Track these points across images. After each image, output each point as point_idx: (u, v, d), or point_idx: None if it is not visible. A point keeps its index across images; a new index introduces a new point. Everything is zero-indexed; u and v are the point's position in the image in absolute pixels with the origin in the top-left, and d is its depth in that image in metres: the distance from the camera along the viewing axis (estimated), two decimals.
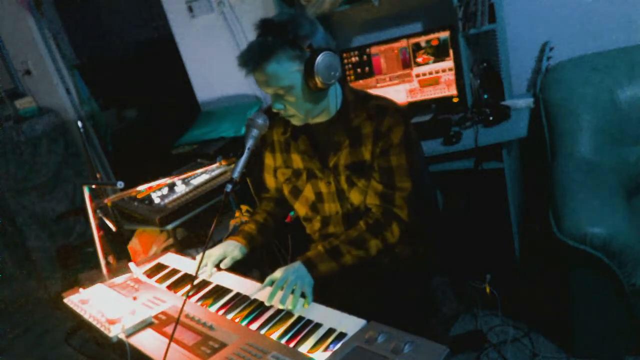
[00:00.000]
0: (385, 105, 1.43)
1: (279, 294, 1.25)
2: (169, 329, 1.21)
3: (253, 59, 1.29)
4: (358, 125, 1.42)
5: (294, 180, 1.56)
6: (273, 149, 1.60)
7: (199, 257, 1.49)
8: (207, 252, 1.51)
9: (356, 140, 1.42)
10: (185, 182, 2.25)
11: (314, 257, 1.36)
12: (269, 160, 1.63)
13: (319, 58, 1.27)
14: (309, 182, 1.52)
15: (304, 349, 1.06)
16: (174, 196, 2.14)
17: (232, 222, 2.17)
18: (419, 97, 2.35)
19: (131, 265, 1.62)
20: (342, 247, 1.37)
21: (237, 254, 1.53)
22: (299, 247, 1.67)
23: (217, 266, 1.51)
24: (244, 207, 2.11)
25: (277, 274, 1.32)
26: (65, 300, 1.47)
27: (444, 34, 2.20)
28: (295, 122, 1.43)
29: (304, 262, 1.34)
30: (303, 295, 1.25)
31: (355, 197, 1.45)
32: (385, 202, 1.41)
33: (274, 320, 1.19)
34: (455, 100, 2.28)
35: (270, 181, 1.67)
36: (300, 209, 1.58)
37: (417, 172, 1.44)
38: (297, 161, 1.53)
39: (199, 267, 1.32)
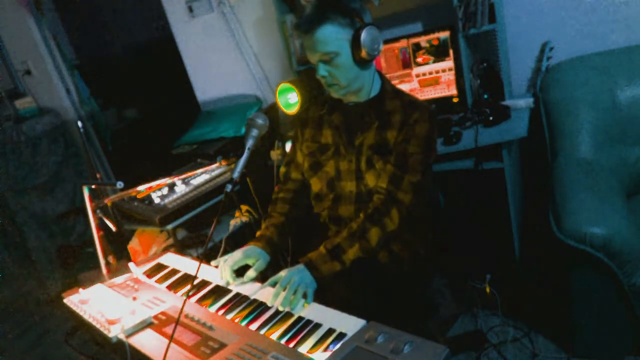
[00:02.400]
0: (418, 101, 1.52)
1: (282, 295, 1.25)
2: (168, 329, 1.21)
3: (308, 21, 1.37)
4: (390, 111, 1.50)
5: (317, 155, 1.58)
6: (305, 125, 1.64)
7: (219, 264, 1.44)
8: (225, 256, 1.46)
9: (385, 124, 1.49)
10: (185, 182, 2.25)
11: (316, 259, 1.35)
12: (299, 135, 1.66)
13: (367, 29, 1.38)
14: (332, 158, 1.55)
15: (303, 349, 1.06)
16: (174, 196, 2.14)
17: (232, 222, 2.17)
18: (419, 97, 2.35)
19: (131, 265, 1.62)
20: (343, 244, 1.38)
21: (262, 264, 1.44)
22: (299, 247, 1.66)
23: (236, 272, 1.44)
24: (244, 207, 2.11)
25: (281, 274, 1.32)
26: (65, 300, 1.47)
27: (444, 34, 2.20)
28: (334, 92, 1.49)
29: (306, 264, 1.34)
30: (304, 296, 1.26)
31: (371, 179, 1.48)
32: (392, 185, 1.44)
33: (274, 321, 1.19)
34: (455, 100, 2.28)
35: (300, 156, 1.67)
36: (316, 184, 1.59)
37: (428, 171, 1.49)
38: (326, 136, 1.58)
39: (221, 272, 1.36)
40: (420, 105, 1.49)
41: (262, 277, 1.40)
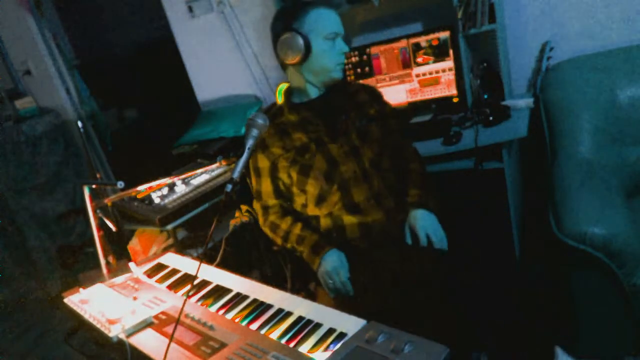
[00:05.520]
0: (367, 84, 1.73)
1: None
2: (169, 329, 1.21)
3: None
4: (354, 92, 1.64)
5: (300, 159, 1.54)
6: (264, 148, 1.57)
7: (333, 287, 1.46)
8: (334, 270, 1.45)
9: (358, 103, 1.61)
10: (185, 182, 2.25)
11: (421, 198, 1.53)
12: (262, 162, 1.60)
13: None
14: (318, 151, 1.53)
15: (304, 349, 1.06)
16: (174, 196, 2.14)
17: (232, 222, 2.17)
18: (419, 97, 2.35)
19: (131, 265, 1.62)
20: (427, 194, 1.55)
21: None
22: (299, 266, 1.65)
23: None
24: (244, 207, 2.11)
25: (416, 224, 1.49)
26: (65, 300, 1.47)
27: (444, 34, 2.20)
28: (340, 73, 1.55)
29: (420, 206, 1.51)
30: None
31: (369, 151, 1.53)
32: (405, 158, 1.66)
33: (274, 320, 1.19)
34: (455, 100, 2.28)
35: (266, 185, 1.61)
36: (314, 186, 1.54)
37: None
38: (300, 138, 1.55)
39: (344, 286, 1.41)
40: (373, 87, 1.73)
41: (262, 277, 1.40)
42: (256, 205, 1.69)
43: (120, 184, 1.66)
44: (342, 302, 1.44)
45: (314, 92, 1.58)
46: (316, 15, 1.47)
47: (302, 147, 1.55)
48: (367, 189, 1.53)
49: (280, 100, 1.63)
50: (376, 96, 1.68)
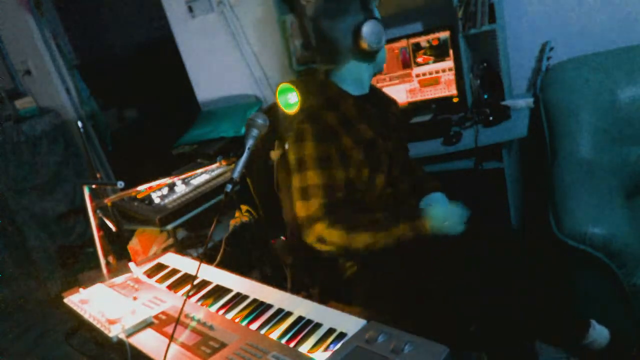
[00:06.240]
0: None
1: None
2: (169, 329, 1.21)
3: None
4: (380, 92, 1.68)
5: (370, 154, 1.43)
6: (333, 135, 1.40)
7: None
8: (438, 218, 1.37)
9: (389, 105, 1.66)
10: (185, 182, 2.25)
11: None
12: (330, 149, 1.39)
13: None
14: (384, 147, 1.48)
15: (304, 349, 1.06)
16: (174, 196, 2.14)
17: (232, 222, 2.17)
18: (419, 97, 2.35)
19: (131, 265, 1.62)
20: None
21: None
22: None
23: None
24: (244, 207, 2.11)
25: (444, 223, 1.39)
26: (65, 300, 1.47)
27: (444, 34, 2.20)
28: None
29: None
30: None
31: (404, 151, 1.63)
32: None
33: (274, 320, 1.19)
34: (455, 100, 2.28)
35: (340, 173, 1.39)
36: (380, 183, 1.47)
37: None
38: (366, 131, 1.45)
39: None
40: None
41: (262, 277, 1.40)
42: (312, 205, 1.35)
43: (120, 184, 1.66)
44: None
45: (367, 86, 1.56)
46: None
47: (371, 141, 1.45)
48: (407, 186, 1.58)
49: (279, 99, 1.62)
50: (391, 98, 1.72)
